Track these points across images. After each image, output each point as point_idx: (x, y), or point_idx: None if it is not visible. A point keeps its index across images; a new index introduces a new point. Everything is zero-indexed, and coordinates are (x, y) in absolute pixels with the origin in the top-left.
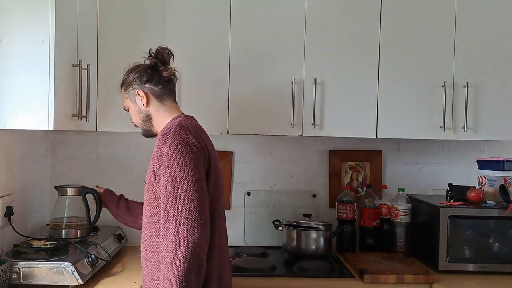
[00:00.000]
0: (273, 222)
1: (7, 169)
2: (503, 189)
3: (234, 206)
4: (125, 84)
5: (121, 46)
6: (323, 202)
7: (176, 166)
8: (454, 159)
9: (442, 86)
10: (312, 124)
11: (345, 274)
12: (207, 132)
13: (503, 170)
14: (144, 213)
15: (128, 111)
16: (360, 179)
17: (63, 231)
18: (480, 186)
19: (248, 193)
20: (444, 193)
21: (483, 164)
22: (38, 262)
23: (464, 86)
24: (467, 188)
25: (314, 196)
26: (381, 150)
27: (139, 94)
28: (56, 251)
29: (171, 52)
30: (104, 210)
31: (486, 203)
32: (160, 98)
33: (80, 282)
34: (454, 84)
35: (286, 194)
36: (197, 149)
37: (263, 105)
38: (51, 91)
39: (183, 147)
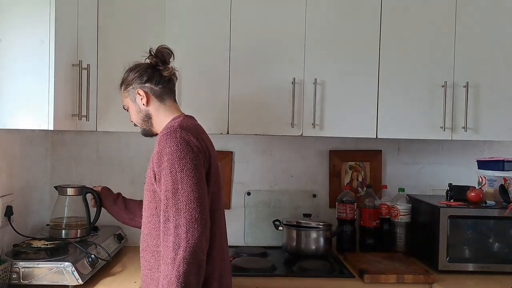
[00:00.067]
0: (273, 222)
1: (7, 169)
2: (503, 189)
3: (234, 206)
4: (125, 83)
5: (121, 46)
6: (323, 202)
7: (176, 167)
8: (454, 159)
9: (442, 86)
10: (312, 124)
11: (345, 274)
12: (207, 132)
13: (503, 170)
14: (143, 213)
15: (127, 110)
16: (360, 179)
17: (63, 231)
18: (480, 186)
19: (248, 193)
20: (444, 193)
21: (483, 164)
22: (38, 262)
23: (464, 86)
24: (467, 188)
25: (314, 196)
26: (381, 150)
27: (139, 94)
28: (56, 251)
29: (172, 52)
30: (104, 210)
31: (486, 203)
32: (160, 97)
33: (80, 282)
34: (454, 84)
35: (286, 194)
36: (198, 150)
37: (263, 105)
38: (51, 91)
39: (184, 147)
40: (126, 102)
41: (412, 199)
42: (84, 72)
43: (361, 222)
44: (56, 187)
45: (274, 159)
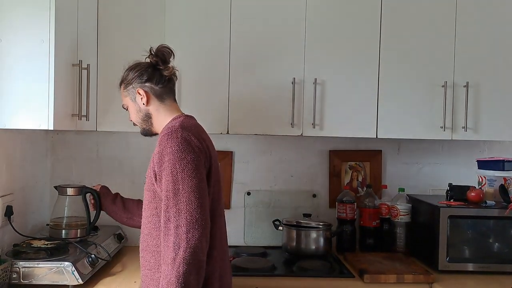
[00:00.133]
0: (273, 222)
1: (7, 169)
2: (503, 189)
3: (234, 206)
4: (124, 82)
5: (121, 45)
6: (323, 202)
7: (177, 167)
8: (454, 159)
9: (442, 86)
10: (312, 124)
11: (345, 274)
12: (207, 132)
13: (503, 170)
14: (143, 213)
15: (127, 110)
16: (360, 179)
17: (63, 230)
18: (480, 186)
19: (248, 193)
20: (444, 193)
21: (483, 164)
22: (38, 262)
23: (464, 86)
24: (467, 188)
25: (314, 196)
26: (381, 150)
27: (139, 93)
28: (56, 251)
29: (172, 51)
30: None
31: (486, 203)
32: (160, 97)
33: (80, 281)
34: (454, 84)
35: (286, 194)
36: (199, 150)
37: (263, 105)
38: (51, 90)
39: (185, 147)
40: (126, 101)
41: (412, 199)
42: (84, 72)
43: (361, 222)
44: (56, 187)
45: (274, 159)
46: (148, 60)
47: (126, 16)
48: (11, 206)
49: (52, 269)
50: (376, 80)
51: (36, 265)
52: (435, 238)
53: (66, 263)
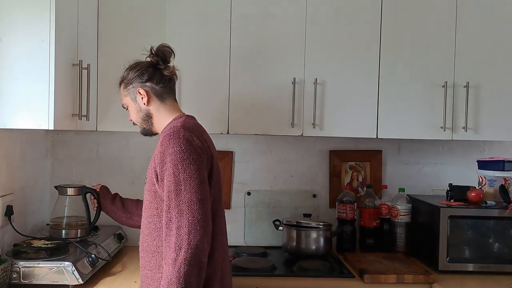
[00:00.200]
0: (273, 222)
1: (7, 169)
2: (503, 189)
3: (234, 206)
4: (124, 82)
5: (121, 45)
6: (323, 202)
7: (180, 168)
8: (454, 159)
9: (443, 86)
10: (312, 124)
11: (345, 274)
12: (207, 132)
13: (503, 170)
14: (143, 213)
15: (127, 109)
16: (360, 179)
17: (63, 230)
18: (480, 186)
19: (248, 193)
20: (444, 193)
21: (483, 164)
22: (38, 262)
23: (464, 86)
24: (467, 188)
25: (314, 196)
26: (381, 150)
27: (139, 93)
28: (56, 251)
29: (172, 50)
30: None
31: (486, 203)
32: (161, 97)
33: (80, 281)
34: (455, 84)
35: (286, 194)
36: (201, 150)
37: (263, 105)
38: (51, 90)
39: (187, 148)
40: (126, 101)
41: (412, 199)
42: (84, 72)
43: (361, 222)
44: (56, 187)
45: (274, 159)
46: (148, 59)
47: (126, 16)
48: (11, 206)
49: (52, 269)
50: (376, 80)
51: (36, 265)
52: (435, 238)
53: (66, 263)
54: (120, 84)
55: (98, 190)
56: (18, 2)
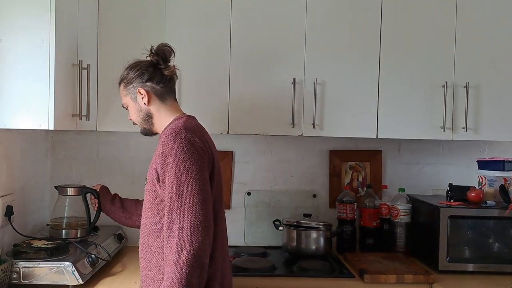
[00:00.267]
0: (273, 222)
1: (7, 169)
2: (503, 189)
3: (234, 206)
4: (124, 81)
5: (121, 45)
6: (323, 202)
7: (181, 168)
8: (454, 159)
9: (443, 86)
10: (313, 124)
11: (345, 274)
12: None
13: (503, 170)
14: (144, 214)
15: (127, 109)
16: (360, 179)
17: (63, 230)
18: (480, 186)
19: (249, 193)
20: (444, 193)
21: (483, 164)
22: (38, 262)
23: (464, 87)
24: (467, 188)
25: (314, 196)
26: (381, 150)
27: (140, 93)
28: (56, 251)
29: (172, 49)
30: None
31: (486, 203)
32: (161, 97)
33: (80, 281)
34: (455, 84)
35: (286, 194)
36: (202, 151)
37: (263, 105)
38: (51, 90)
39: (189, 148)
40: (126, 100)
41: (412, 199)
42: (84, 72)
43: (361, 222)
44: (56, 187)
45: (274, 159)
46: (148, 58)
47: (126, 16)
48: (11, 206)
49: (52, 269)
50: (377, 80)
51: (36, 265)
52: (435, 238)
53: (66, 263)
54: (119, 84)
55: (98, 190)
56: (18, 2)
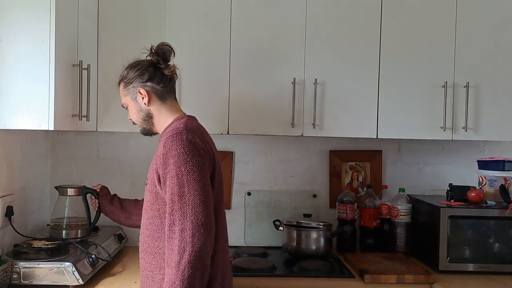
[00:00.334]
0: (274, 222)
1: (7, 169)
2: (503, 189)
3: (235, 206)
4: (124, 81)
5: (121, 45)
6: (323, 202)
7: (183, 170)
8: (454, 159)
9: (443, 86)
10: (313, 124)
11: (345, 274)
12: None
13: (503, 170)
14: (144, 215)
15: (126, 109)
16: (360, 179)
17: (64, 231)
18: (480, 186)
19: (249, 193)
20: (445, 193)
21: (483, 164)
22: (38, 262)
23: (464, 86)
24: (468, 188)
25: (315, 196)
26: (381, 150)
27: (140, 93)
28: (57, 251)
29: (172, 49)
30: None
31: (486, 203)
32: (162, 97)
33: (81, 282)
34: (455, 84)
35: (287, 194)
36: (203, 152)
37: (263, 105)
38: (51, 91)
39: (190, 150)
40: (126, 100)
41: (412, 199)
42: (85, 72)
43: (362, 222)
44: (56, 187)
45: (274, 159)
46: (148, 58)
47: (126, 16)
48: (12, 207)
49: (53, 269)
50: (377, 80)
51: (36, 266)
52: (435, 238)
53: (67, 263)
54: (119, 83)
55: (98, 190)
56: (18, 3)
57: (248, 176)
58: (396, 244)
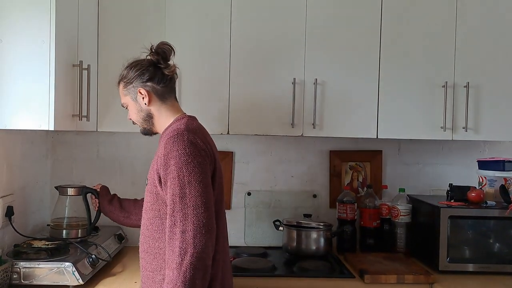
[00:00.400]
0: (274, 222)
1: (8, 169)
2: (503, 189)
3: (235, 206)
4: (124, 81)
5: (121, 45)
6: (323, 202)
7: (184, 171)
8: (454, 159)
9: (443, 86)
10: (313, 124)
11: (345, 274)
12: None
13: (504, 170)
14: (144, 215)
15: (126, 108)
16: (360, 179)
17: (64, 231)
18: (480, 187)
19: (249, 193)
20: (445, 193)
21: (483, 165)
22: (38, 262)
23: (464, 87)
24: (468, 188)
25: (315, 196)
26: (381, 150)
27: (140, 93)
28: (57, 251)
29: (173, 48)
30: None
31: (486, 203)
32: (162, 97)
33: (81, 282)
34: (455, 84)
35: (287, 194)
36: (204, 153)
37: (263, 105)
38: (52, 91)
39: (191, 150)
40: (126, 100)
41: (412, 199)
42: (85, 72)
43: (362, 223)
44: (56, 187)
45: (274, 159)
46: (148, 57)
47: (126, 16)
48: (12, 207)
49: (53, 269)
50: (376, 80)
51: (36, 266)
52: (435, 238)
53: (67, 263)
54: (119, 83)
55: (98, 190)
56: (18, 3)
57: (248, 176)
58: (396, 244)
